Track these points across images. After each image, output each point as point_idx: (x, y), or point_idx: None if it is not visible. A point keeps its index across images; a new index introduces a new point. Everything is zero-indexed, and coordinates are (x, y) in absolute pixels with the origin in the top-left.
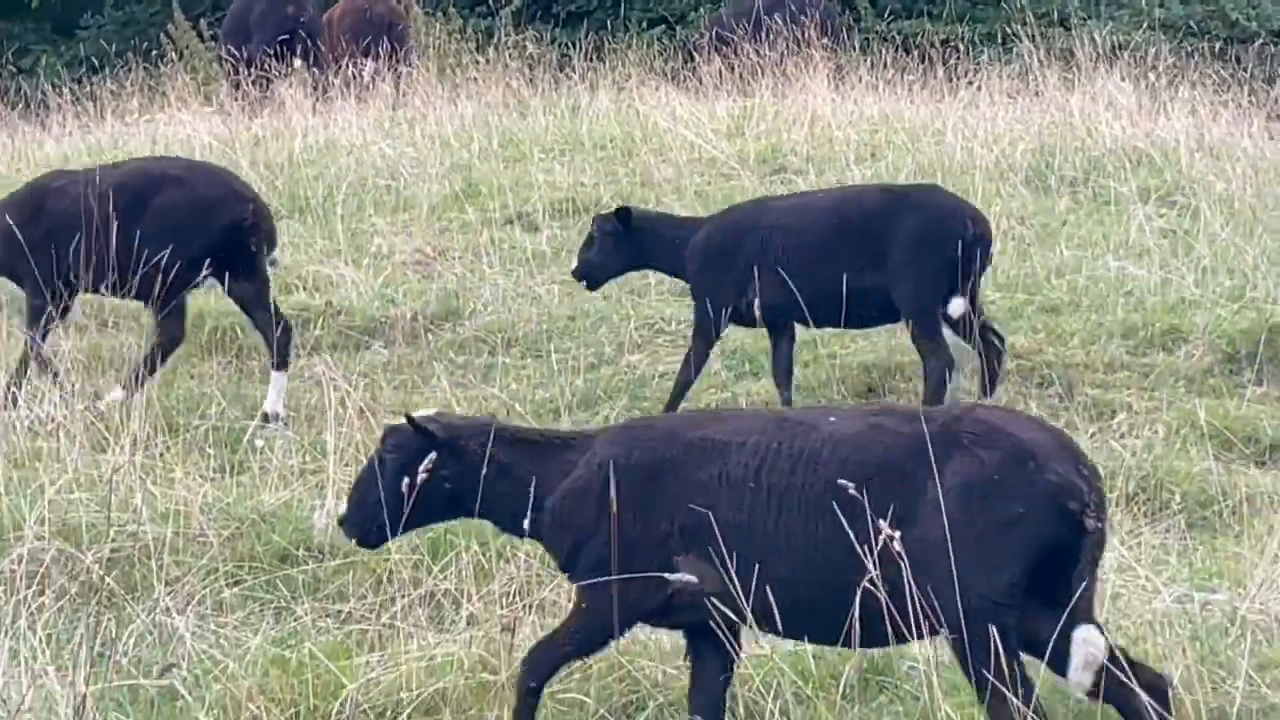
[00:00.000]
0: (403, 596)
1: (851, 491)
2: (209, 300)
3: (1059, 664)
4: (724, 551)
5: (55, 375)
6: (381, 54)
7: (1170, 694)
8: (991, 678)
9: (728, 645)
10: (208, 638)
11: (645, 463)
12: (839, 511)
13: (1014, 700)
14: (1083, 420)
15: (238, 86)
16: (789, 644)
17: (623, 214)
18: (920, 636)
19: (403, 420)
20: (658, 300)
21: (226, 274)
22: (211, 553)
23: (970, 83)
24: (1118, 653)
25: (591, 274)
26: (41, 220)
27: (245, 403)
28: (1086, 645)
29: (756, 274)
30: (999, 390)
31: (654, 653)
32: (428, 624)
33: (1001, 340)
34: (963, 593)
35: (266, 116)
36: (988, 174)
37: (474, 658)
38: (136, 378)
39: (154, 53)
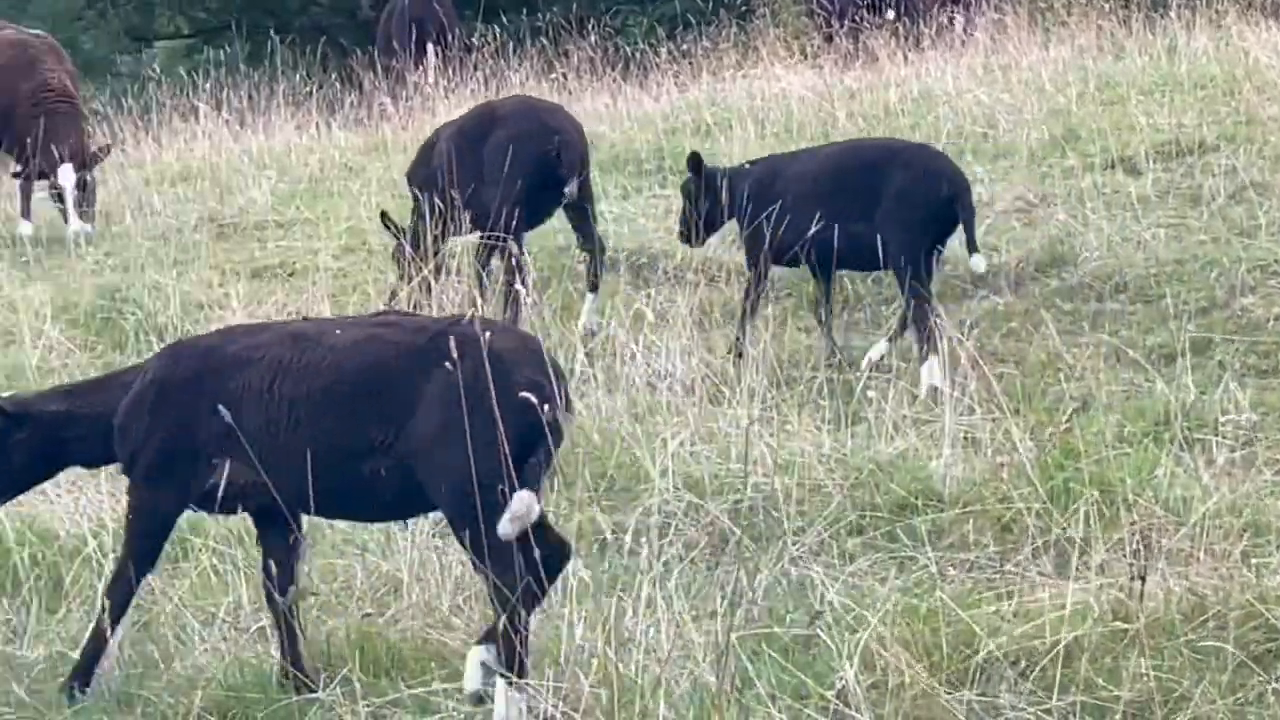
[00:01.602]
0: (1027, 544)
1: (346, 393)
2: None
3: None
4: (251, 452)
5: None
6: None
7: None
8: (488, 544)
9: (289, 524)
10: (836, 587)
11: (186, 376)
12: (341, 413)
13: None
14: None
15: (829, 40)
16: None
17: (693, 160)
18: (432, 509)
19: None
20: (1269, 241)
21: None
22: (834, 503)
23: None
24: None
25: (684, 231)
26: None
27: (854, 354)
28: (519, 502)
29: (778, 219)
30: None
31: None
32: (1053, 572)
33: None
34: (456, 477)
35: (859, 69)
36: None
37: (1105, 606)
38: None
39: (744, 8)
